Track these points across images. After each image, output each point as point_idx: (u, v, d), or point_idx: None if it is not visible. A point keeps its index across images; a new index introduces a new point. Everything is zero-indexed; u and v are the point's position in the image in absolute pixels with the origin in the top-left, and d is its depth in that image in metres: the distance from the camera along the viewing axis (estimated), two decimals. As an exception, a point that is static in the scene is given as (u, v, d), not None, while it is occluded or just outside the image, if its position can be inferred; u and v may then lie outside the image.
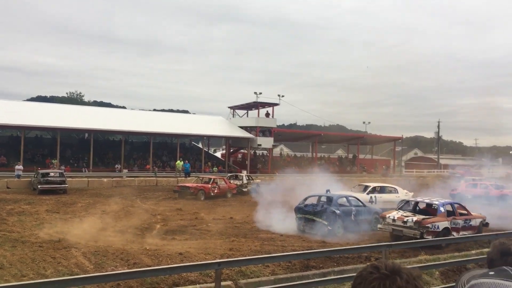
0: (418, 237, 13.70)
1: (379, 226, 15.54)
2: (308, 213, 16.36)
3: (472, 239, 13.55)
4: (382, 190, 23.05)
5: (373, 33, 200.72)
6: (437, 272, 10.33)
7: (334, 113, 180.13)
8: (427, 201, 16.30)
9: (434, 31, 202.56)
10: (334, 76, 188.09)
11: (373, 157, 62.83)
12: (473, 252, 12.59)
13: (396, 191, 23.18)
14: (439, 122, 71.61)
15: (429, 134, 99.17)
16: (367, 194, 21.91)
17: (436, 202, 15.60)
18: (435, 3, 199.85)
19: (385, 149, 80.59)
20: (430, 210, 15.70)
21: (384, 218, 15.33)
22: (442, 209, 14.94)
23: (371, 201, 21.29)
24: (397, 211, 15.61)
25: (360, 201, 17.86)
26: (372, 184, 23.98)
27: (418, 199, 17.06)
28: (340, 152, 77.89)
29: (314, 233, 15.56)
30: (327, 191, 18.25)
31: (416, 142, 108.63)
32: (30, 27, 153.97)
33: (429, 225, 14.06)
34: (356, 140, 58.88)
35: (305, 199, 17.38)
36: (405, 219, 14.59)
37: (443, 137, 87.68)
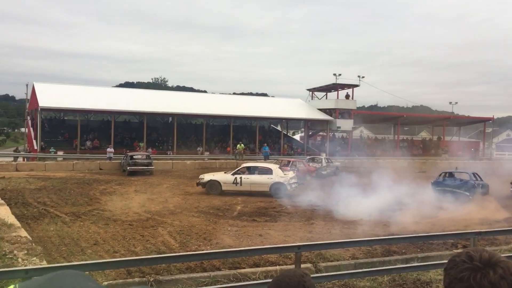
0: None
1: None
2: (448, 186, 19.92)
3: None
4: (252, 170, 21.02)
5: (461, 8, 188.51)
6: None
7: (418, 94, 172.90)
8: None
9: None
10: (418, 54, 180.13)
11: (461, 139, 59.56)
12: None
13: (270, 172, 20.63)
14: (535, 101, 66.06)
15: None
16: (232, 175, 20.51)
17: None
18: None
19: (474, 131, 76.10)
20: None
21: None
22: None
23: (235, 183, 20.04)
24: None
25: (479, 176, 21.04)
26: (243, 164, 22.48)
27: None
28: (424, 134, 74.72)
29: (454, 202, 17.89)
30: (456, 168, 23.35)
31: (508, 122, 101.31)
32: (118, 17, 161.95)
33: None
34: (441, 121, 56.11)
35: (440, 175, 21.58)
36: None
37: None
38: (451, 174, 21.86)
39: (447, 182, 20.52)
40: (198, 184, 21.01)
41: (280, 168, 21.64)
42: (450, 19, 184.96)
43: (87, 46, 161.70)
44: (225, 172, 21.69)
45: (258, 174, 20.74)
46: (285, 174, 20.67)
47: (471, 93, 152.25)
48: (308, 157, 34.97)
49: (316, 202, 18.62)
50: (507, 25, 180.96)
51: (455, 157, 46.57)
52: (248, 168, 21.33)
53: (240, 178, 20.24)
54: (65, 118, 46.14)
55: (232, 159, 38.34)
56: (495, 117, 61.88)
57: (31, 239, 9.74)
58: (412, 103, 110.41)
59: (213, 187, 20.27)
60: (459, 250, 10.26)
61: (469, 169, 23.72)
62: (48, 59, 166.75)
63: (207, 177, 20.91)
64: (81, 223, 13.51)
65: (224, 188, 20.25)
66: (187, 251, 10.33)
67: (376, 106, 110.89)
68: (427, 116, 63.63)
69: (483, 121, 58.57)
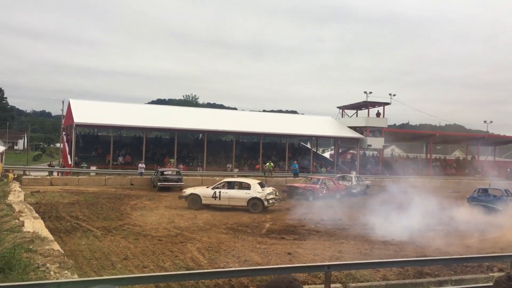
0: None
1: None
2: (482, 201, 21.92)
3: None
4: (231, 185, 21.29)
5: (496, 25, 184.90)
6: None
7: (451, 112, 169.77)
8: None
9: None
10: (451, 72, 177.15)
11: (496, 159, 57.94)
12: None
13: (248, 187, 20.90)
14: None
15: None
16: (212, 189, 20.82)
17: None
18: None
19: (510, 150, 73.98)
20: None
21: None
22: None
23: (214, 197, 20.43)
24: None
25: (511, 192, 22.53)
26: (224, 179, 22.89)
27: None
28: (457, 154, 73.07)
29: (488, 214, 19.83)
30: (489, 185, 25.46)
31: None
32: (151, 36, 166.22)
33: None
34: (476, 140, 54.80)
35: (475, 191, 23.68)
36: None
37: None
38: (485, 190, 23.77)
39: (481, 197, 22.65)
40: (180, 197, 21.48)
41: (259, 183, 21.64)
42: (482, 37, 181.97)
43: (122, 64, 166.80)
44: (207, 187, 22.06)
45: (237, 189, 21.13)
46: (263, 190, 20.86)
47: (507, 111, 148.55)
48: (338, 175, 34.66)
49: (346, 221, 18.40)
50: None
51: (490, 177, 45.23)
52: (228, 183, 21.75)
53: (219, 192, 20.69)
54: (99, 134, 47.19)
55: (261, 176, 38.34)
56: (532, 137, 60.04)
57: (63, 252, 9.90)
58: (445, 121, 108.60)
59: (193, 201, 20.76)
60: (495, 274, 9.92)
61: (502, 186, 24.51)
62: (84, 77, 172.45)
63: (188, 191, 21.42)
64: (112, 237, 13.69)
65: (204, 202, 20.70)
66: (216, 268, 10.32)
67: (408, 124, 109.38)
68: (460, 135, 62.25)
69: (520, 140, 56.90)
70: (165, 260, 11.17)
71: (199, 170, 39.58)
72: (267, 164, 39.03)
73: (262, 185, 21.68)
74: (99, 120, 37.54)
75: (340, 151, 52.58)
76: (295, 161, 40.64)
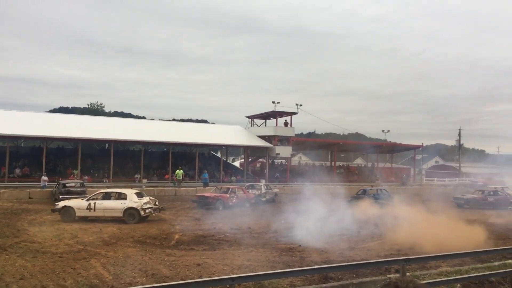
0: None
1: None
2: (372, 197, 29.09)
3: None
4: (107, 196, 20.83)
5: (394, 41, 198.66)
6: (458, 285, 10.13)
7: (353, 122, 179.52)
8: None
9: (458, 39, 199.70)
10: (354, 84, 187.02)
11: (393, 166, 62.13)
12: (496, 264, 12.30)
13: (124, 197, 20.46)
14: (460, 129, 70.44)
15: (450, 142, 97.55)
16: (87, 200, 20.29)
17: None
18: (458, 11, 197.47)
19: (405, 158, 79.73)
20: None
21: None
22: None
23: (88, 208, 19.89)
24: None
25: (387, 191, 30.97)
26: (99, 190, 22.67)
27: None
28: (359, 161, 77.36)
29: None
30: (371, 186, 35.96)
31: (437, 150, 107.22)
32: (54, 40, 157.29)
33: None
34: (375, 148, 58.40)
35: (360, 190, 31.60)
36: None
37: (464, 145, 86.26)
38: (365, 191, 31.08)
39: (360, 193, 30.73)
40: (53, 210, 20.67)
41: (137, 193, 21.27)
42: (382, 52, 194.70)
43: (20, 69, 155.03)
44: (82, 198, 21.41)
45: (113, 199, 20.70)
46: (139, 199, 20.64)
47: (402, 121, 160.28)
48: (247, 184, 35.08)
49: (255, 229, 18.67)
50: (434, 59, 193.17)
51: (388, 182, 48.40)
52: (105, 193, 21.31)
53: (94, 203, 20.14)
54: (-7, 144, 43.70)
55: (171, 186, 37.76)
56: (424, 145, 65.29)
57: None
58: (348, 130, 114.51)
59: (66, 213, 20.04)
60: (391, 275, 10.60)
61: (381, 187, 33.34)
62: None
63: (62, 203, 20.67)
64: (7, 256, 12.71)
65: (78, 214, 20.06)
66: (121, 284, 9.95)
67: (314, 133, 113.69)
68: (361, 144, 65.98)
69: (414, 148, 61.57)
70: (66, 278, 10.57)
71: (106, 182, 38.04)
72: (177, 171, 38.48)
73: (140, 194, 21.34)
74: (-8, 129, 34.77)
75: (250, 160, 53.32)
76: (205, 171, 40.52)
